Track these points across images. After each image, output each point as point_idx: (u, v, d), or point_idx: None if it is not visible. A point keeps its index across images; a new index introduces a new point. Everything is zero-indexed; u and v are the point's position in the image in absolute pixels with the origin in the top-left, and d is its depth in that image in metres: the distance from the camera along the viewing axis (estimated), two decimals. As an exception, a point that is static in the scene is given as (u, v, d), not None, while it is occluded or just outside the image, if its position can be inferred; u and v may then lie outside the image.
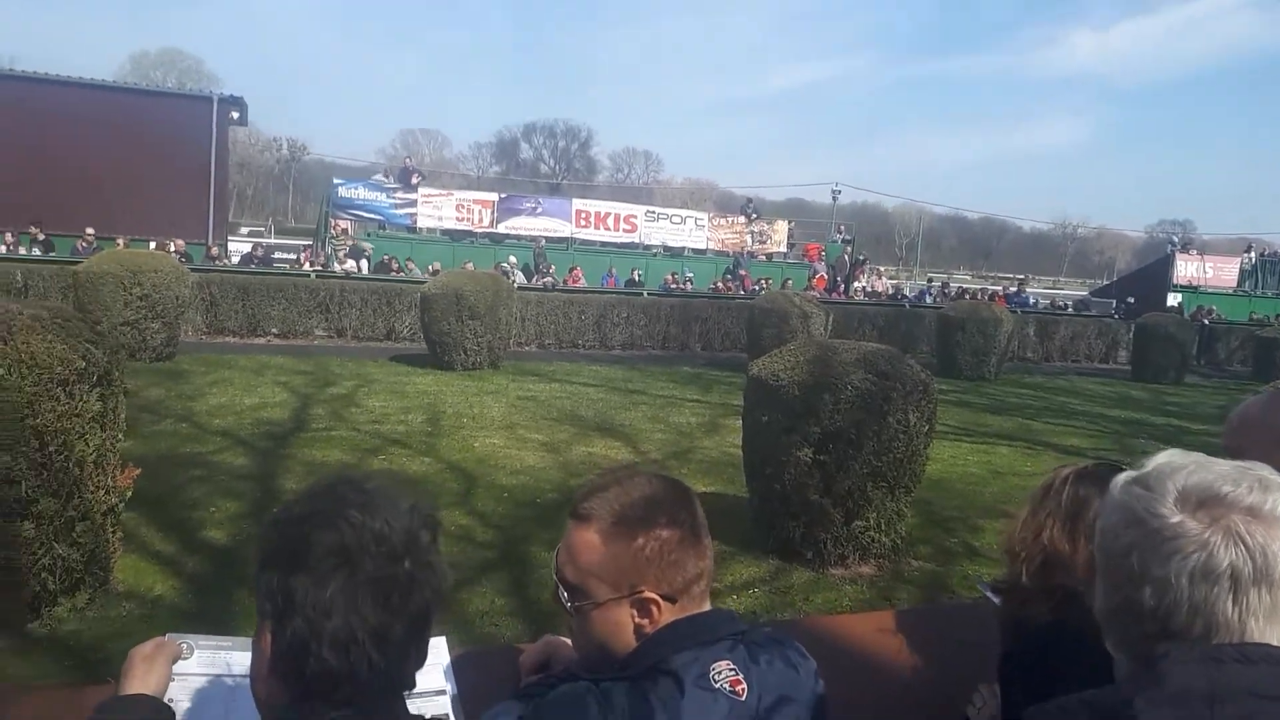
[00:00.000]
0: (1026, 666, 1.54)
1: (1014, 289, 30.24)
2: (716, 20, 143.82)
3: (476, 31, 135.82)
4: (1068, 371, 20.00)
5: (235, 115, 25.74)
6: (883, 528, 5.73)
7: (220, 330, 15.64)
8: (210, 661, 1.46)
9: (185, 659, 1.43)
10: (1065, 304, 29.51)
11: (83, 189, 21.50)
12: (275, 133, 72.34)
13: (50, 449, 3.94)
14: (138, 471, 4.65)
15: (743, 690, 1.26)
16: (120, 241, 18.34)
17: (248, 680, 1.23)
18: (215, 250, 20.74)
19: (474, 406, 10.53)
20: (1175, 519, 0.96)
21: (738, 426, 9.49)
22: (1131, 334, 20.91)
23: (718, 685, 1.25)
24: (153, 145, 23.12)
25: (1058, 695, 1.35)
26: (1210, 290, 32.14)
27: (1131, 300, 28.87)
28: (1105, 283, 51.50)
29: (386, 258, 21.96)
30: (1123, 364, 21.39)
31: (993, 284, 39.03)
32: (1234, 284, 33.01)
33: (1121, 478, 1.05)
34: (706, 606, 1.35)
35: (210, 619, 4.45)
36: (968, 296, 25.19)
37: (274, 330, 16.03)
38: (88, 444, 4.11)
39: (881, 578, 5.74)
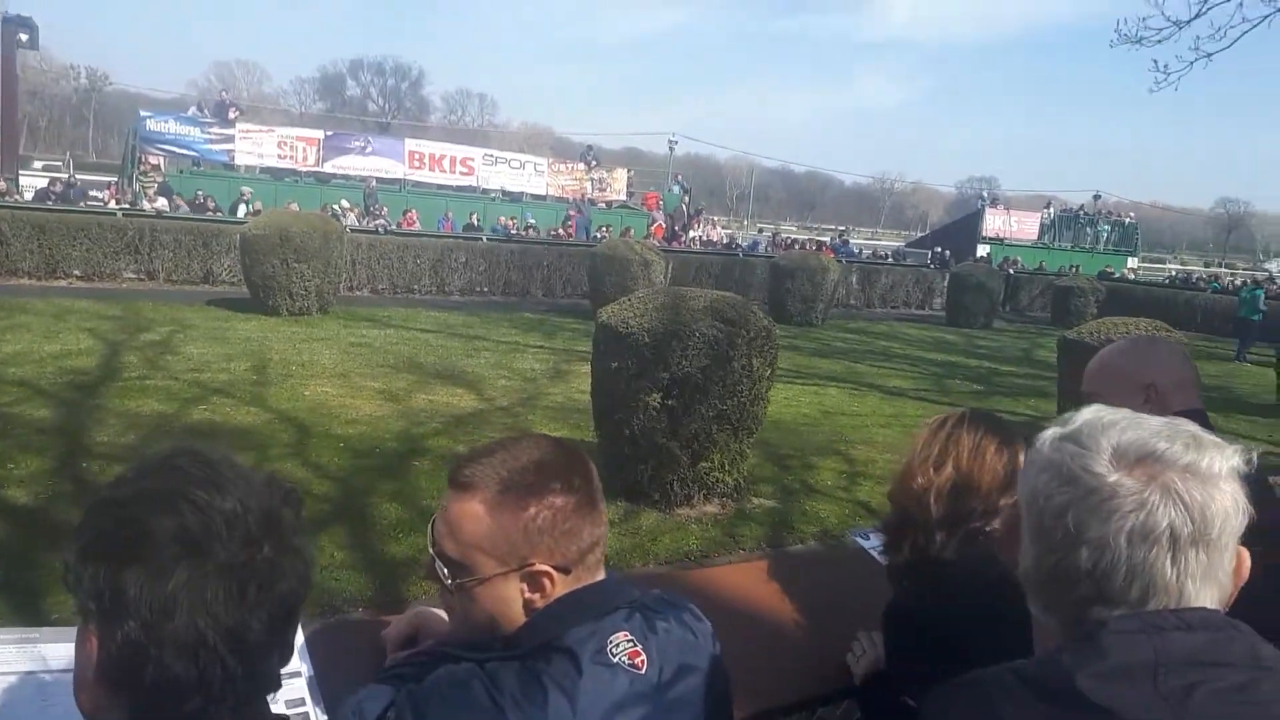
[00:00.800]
0: (919, 612, 1.53)
1: (839, 240, 31.55)
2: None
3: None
4: (888, 318, 21.11)
5: (24, 37, 23.15)
6: (726, 468, 5.88)
7: (13, 272, 14.21)
8: (14, 657, 1.23)
9: None
10: (886, 254, 31.04)
11: None
12: (72, 59, 65.96)
13: None
14: (-78, 427, 4.17)
15: (642, 663, 1.18)
16: (-115, 172, 16.30)
17: (67, 677, 1.03)
18: (3, 184, 18.75)
19: (303, 354, 10.04)
20: (1112, 477, 0.91)
21: (583, 372, 9.50)
22: (946, 283, 22.24)
23: (616, 660, 1.16)
24: (-78, 64, 20.54)
25: (954, 641, 1.38)
26: (1014, 243, 34.55)
27: (944, 251, 30.66)
28: (920, 234, 54.49)
29: (201, 195, 20.54)
30: (938, 311, 22.76)
31: (818, 235, 40.50)
32: (1035, 237, 35.61)
33: (1049, 434, 0.99)
34: (601, 576, 1.26)
35: (15, 588, 4.08)
36: (797, 246, 26.06)
37: (76, 272, 14.71)
38: None
39: (726, 516, 5.90)
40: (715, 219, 37.67)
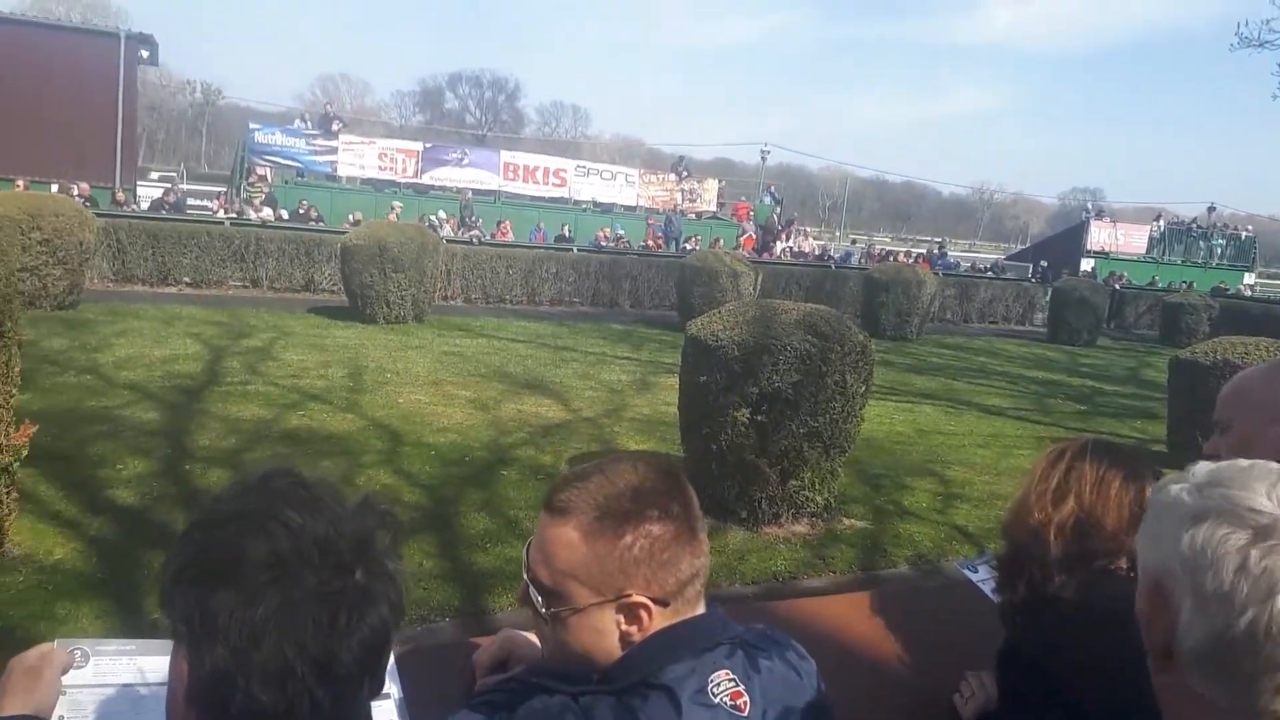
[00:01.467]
0: (1037, 655, 1.42)
1: (936, 251, 30.81)
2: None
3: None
4: (986, 333, 20.47)
5: (145, 54, 24.37)
6: (817, 487, 5.72)
7: (128, 278, 14.90)
8: (112, 669, 1.23)
9: (79, 667, 1.21)
10: (985, 267, 30.15)
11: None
12: (188, 75, 69.20)
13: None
14: (35, 427, 4.34)
15: (744, 704, 1.12)
16: (20, 183, 17.29)
17: (162, 691, 1.01)
18: (122, 195, 19.71)
19: (398, 361, 10.23)
20: None
21: (670, 385, 9.45)
22: (1048, 297, 21.48)
23: (717, 700, 1.10)
24: (56, 83, 21.75)
25: (1073, 691, 1.27)
26: (1121, 257, 33.21)
27: (1045, 265, 29.65)
28: (1021, 247, 52.89)
29: (302, 204, 21.21)
30: (1039, 326, 21.98)
31: (914, 246, 39.66)
32: (1143, 250, 34.16)
33: (1178, 487, 0.87)
34: (700, 609, 1.19)
35: (117, 587, 4.20)
36: (892, 258, 25.51)
37: (186, 279, 15.34)
38: (-22, 399, 3.80)
39: (815, 536, 5.74)
40: (807, 230, 37.25)
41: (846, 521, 6.06)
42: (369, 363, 10.02)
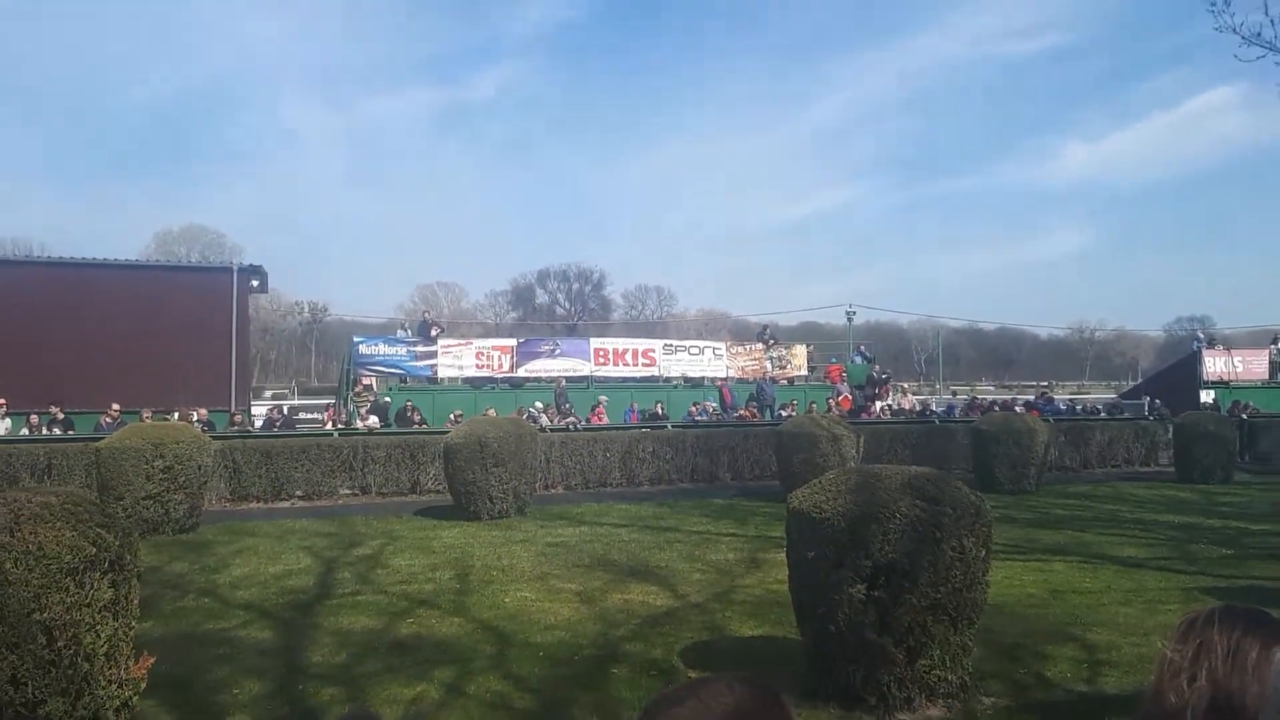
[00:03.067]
0: None
1: (1041, 397, 29.86)
2: (719, 156, 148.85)
3: (486, 185, 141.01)
4: (1110, 478, 19.43)
5: (255, 283, 26.32)
6: (948, 664, 5.33)
7: (244, 497, 15.47)
8: None
9: None
10: (1098, 408, 28.99)
11: (109, 365, 21.86)
12: (297, 296, 74.21)
13: (59, 644, 3.71)
14: (152, 660, 4.39)
15: None
16: (144, 415, 18.44)
17: None
18: (239, 417, 20.81)
19: (502, 558, 10.20)
20: None
21: (780, 560, 9.12)
22: (1171, 434, 20.40)
23: None
24: (176, 318, 23.60)
25: None
26: (1242, 384, 31.59)
27: (1155, 400, 28.34)
28: (1131, 384, 50.95)
29: (408, 406, 21.97)
30: (1165, 466, 20.78)
31: (1017, 393, 38.57)
32: (1265, 376, 32.45)
33: None
34: None
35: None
36: (997, 408, 24.81)
37: (298, 492, 15.84)
38: (99, 635, 3.87)
39: (952, 719, 5.31)
40: (905, 386, 36.74)
41: (986, 701, 5.60)
42: (475, 561, 10.01)
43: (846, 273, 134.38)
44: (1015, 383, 73.45)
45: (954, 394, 36.49)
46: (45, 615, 3.66)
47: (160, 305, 23.49)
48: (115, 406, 19.48)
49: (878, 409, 26.55)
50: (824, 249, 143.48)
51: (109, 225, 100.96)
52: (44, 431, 18.09)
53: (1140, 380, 48.71)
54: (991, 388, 68.08)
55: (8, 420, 18.90)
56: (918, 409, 27.65)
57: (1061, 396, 37.78)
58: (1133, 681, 5.87)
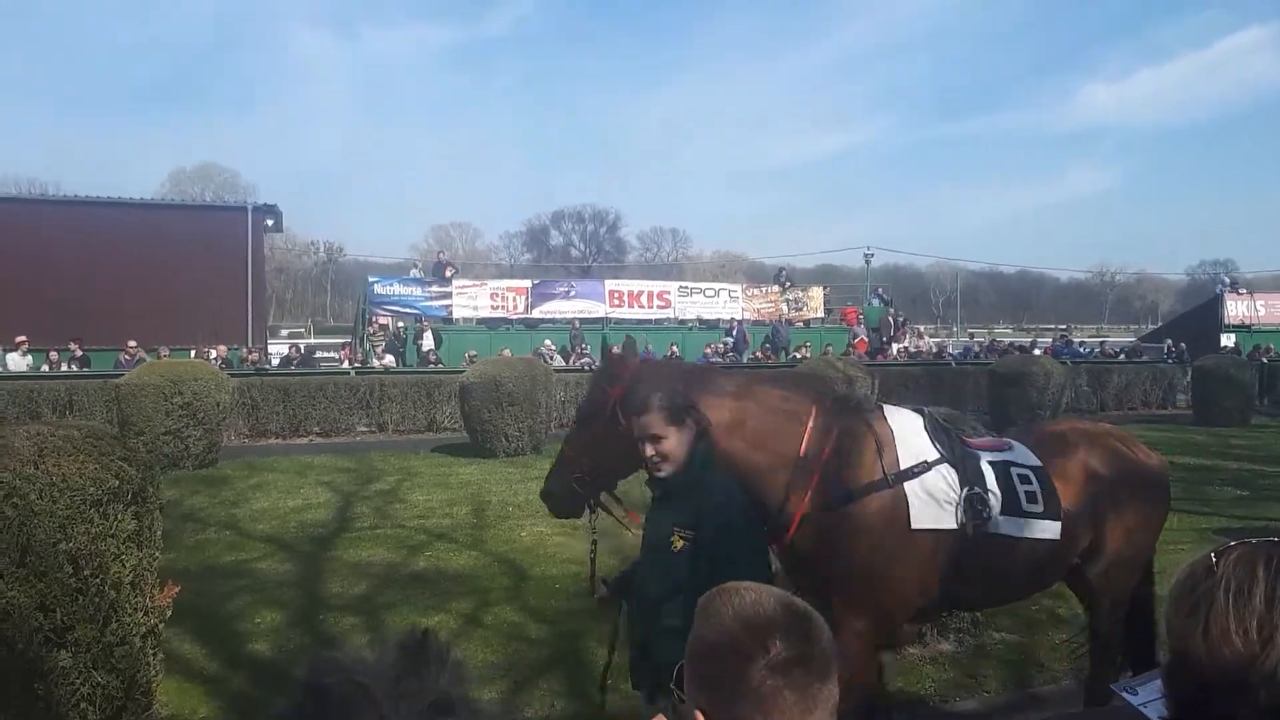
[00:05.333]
0: None
1: (1059, 340, 29.69)
2: (733, 93, 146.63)
3: (500, 124, 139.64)
4: (1126, 420, 19.34)
5: (270, 223, 26.32)
6: (960, 601, 5.37)
7: (263, 433, 15.65)
8: None
9: None
10: (1119, 351, 28.79)
11: (126, 303, 22.01)
12: (312, 236, 74.13)
13: (85, 573, 3.77)
14: (177, 589, 4.47)
15: None
16: (162, 352, 18.60)
17: None
18: (255, 355, 20.95)
19: (518, 494, 10.30)
20: None
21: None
22: (1190, 378, 20.29)
23: None
24: (191, 257, 23.67)
25: None
26: (1264, 329, 31.29)
27: (1176, 343, 28.13)
28: (1152, 328, 50.57)
29: (427, 350, 22.07)
30: (1182, 409, 20.72)
31: (1037, 336, 38.31)
32: (1288, 319, 32.11)
33: None
34: None
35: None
36: (1015, 350, 24.69)
37: (316, 429, 16.01)
38: (124, 565, 3.94)
39: (963, 654, 5.38)
40: (922, 329, 36.58)
41: (996, 635, 5.67)
42: (491, 497, 10.13)
43: (864, 214, 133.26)
44: (1034, 326, 72.97)
45: (971, 337, 36.24)
46: (71, 545, 3.72)
47: (176, 244, 23.56)
48: (133, 343, 19.64)
49: (894, 351, 26.49)
50: (842, 190, 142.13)
51: (123, 164, 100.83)
52: (64, 368, 18.28)
53: (1160, 324, 48.30)
54: (1010, 331, 67.67)
55: (29, 356, 19.10)
56: (934, 352, 27.57)
57: (1083, 339, 37.48)
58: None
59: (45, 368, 18.36)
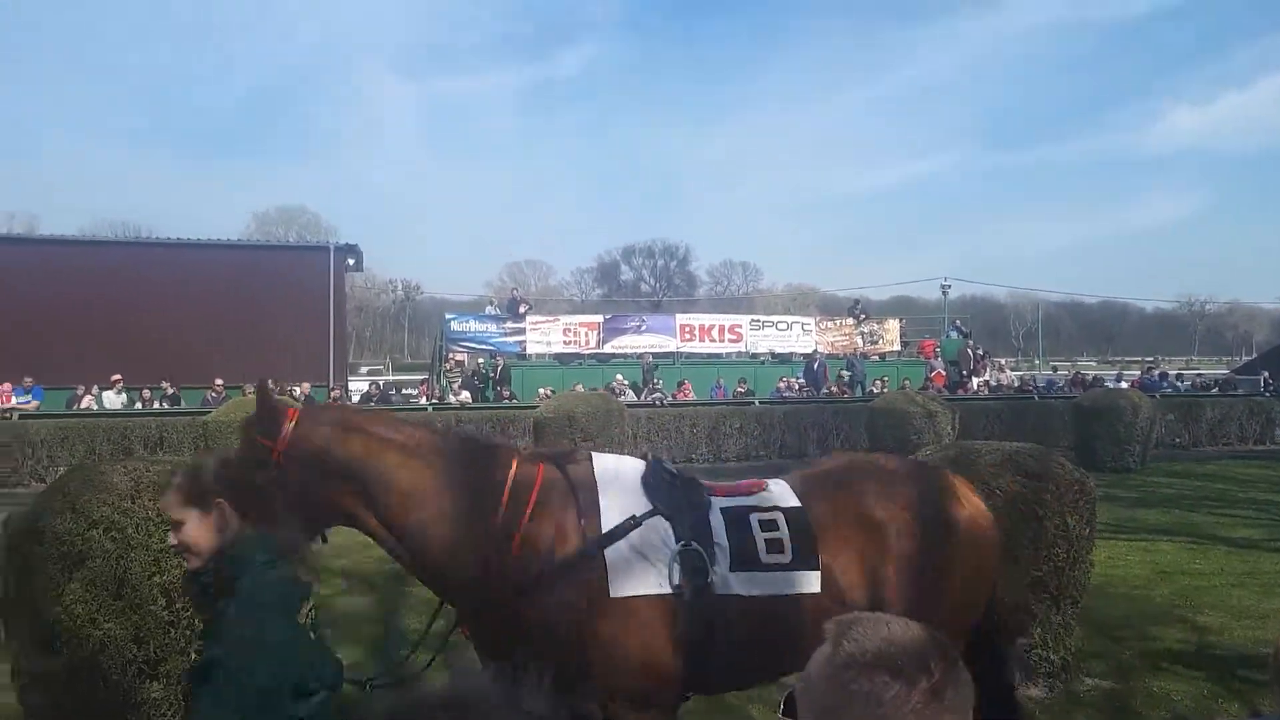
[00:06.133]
0: None
1: (1146, 373, 28.70)
2: (801, 125, 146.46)
3: (570, 161, 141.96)
4: (1220, 456, 18.58)
5: (351, 262, 27.08)
6: (1050, 644, 5.20)
7: (343, 468, 15.96)
8: None
9: None
10: (1211, 383, 27.69)
11: (214, 341, 22.82)
12: (390, 275, 75.99)
13: (176, 606, 3.88)
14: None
15: None
16: (247, 390, 19.17)
17: None
18: (337, 392, 21.48)
19: (593, 531, 10.29)
20: None
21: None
22: (1288, 411, 19.41)
23: None
24: (276, 296, 24.49)
25: None
26: (1368, 357, 29.82)
27: (1268, 375, 26.95)
28: (1246, 359, 48.56)
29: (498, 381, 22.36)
30: (1281, 444, 19.80)
31: (1123, 369, 37.09)
32: (1393, 348, 30.56)
33: None
34: None
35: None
36: (1103, 384, 23.95)
37: (394, 464, 16.26)
38: (212, 598, 4.04)
39: (1054, 701, 5.17)
40: (1002, 361, 35.75)
41: (1088, 682, 5.44)
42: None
43: (940, 245, 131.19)
44: (1119, 358, 70.72)
45: (1054, 369, 35.29)
46: (164, 579, 3.84)
47: (262, 283, 24.41)
48: (219, 381, 20.32)
49: (975, 385, 25.92)
50: (916, 220, 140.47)
51: (208, 207, 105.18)
52: (155, 405, 19.00)
53: (1255, 355, 46.35)
54: (1093, 363, 65.65)
55: (123, 394, 19.91)
56: (1015, 385, 26.89)
57: (1173, 372, 36.13)
58: (1245, 666, 5.63)
59: (138, 405, 19.10)
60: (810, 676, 1.18)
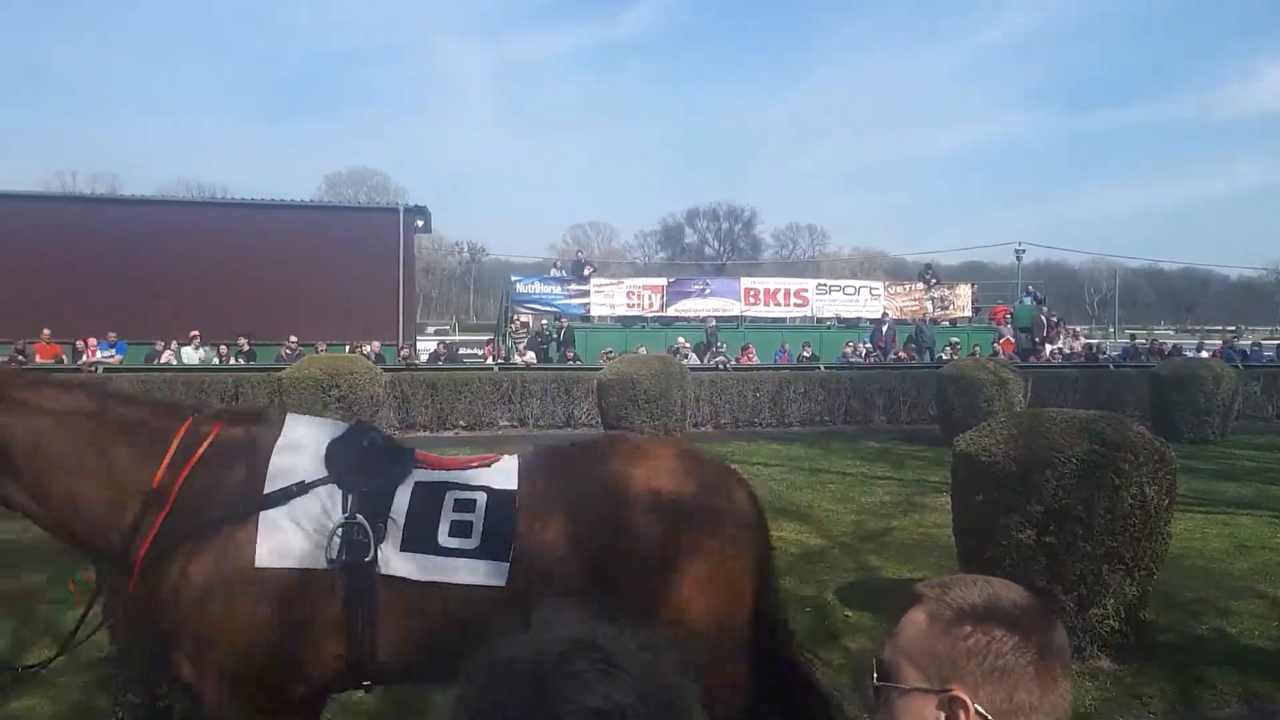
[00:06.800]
0: None
1: (1227, 343, 27.68)
2: (872, 87, 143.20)
3: (635, 124, 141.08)
4: (1307, 429, 17.87)
5: (420, 223, 27.41)
6: (1122, 615, 5.08)
7: (412, 425, 16.29)
8: None
9: None
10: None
11: (288, 300, 23.36)
12: (457, 237, 76.80)
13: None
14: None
15: None
16: (320, 347, 19.62)
17: None
18: (406, 350, 21.85)
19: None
20: None
21: (938, 505, 8.91)
22: (1381, 384, 18.55)
23: None
24: (347, 256, 24.93)
25: None
26: None
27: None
28: (1336, 328, 46.48)
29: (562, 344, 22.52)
30: (1374, 418, 18.95)
31: (1203, 338, 35.81)
32: None
33: None
34: None
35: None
36: (1183, 353, 23.17)
37: (461, 422, 16.55)
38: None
39: (1125, 672, 5.06)
40: (1077, 329, 34.82)
41: (1160, 655, 5.31)
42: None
43: (1014, 209, 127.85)
44: (1199, 326, 68.31)
45: (1131, 338, 34.22)
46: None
47: (335, 244, 24.88)
48: (293, 338, 20.82)
49: (1048, 353, 25.31)
50: (989, 184, 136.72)
51: (280, 167, 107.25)
52: (231, 361, 19.55)
53: (1346, 325, 44.36)
54: (1171, 331, 63.55)
55: (201, 350, 20.53)
56: (1089, 353, 26.18)
57: (1266, 341, 34.78)
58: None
59: (215, 361, 19.68)
60: (910, 639, 1.16)
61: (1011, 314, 27.99)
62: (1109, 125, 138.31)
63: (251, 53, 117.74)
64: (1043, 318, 27.45)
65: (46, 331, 20.41)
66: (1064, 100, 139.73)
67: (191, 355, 20.23)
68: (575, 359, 21.22)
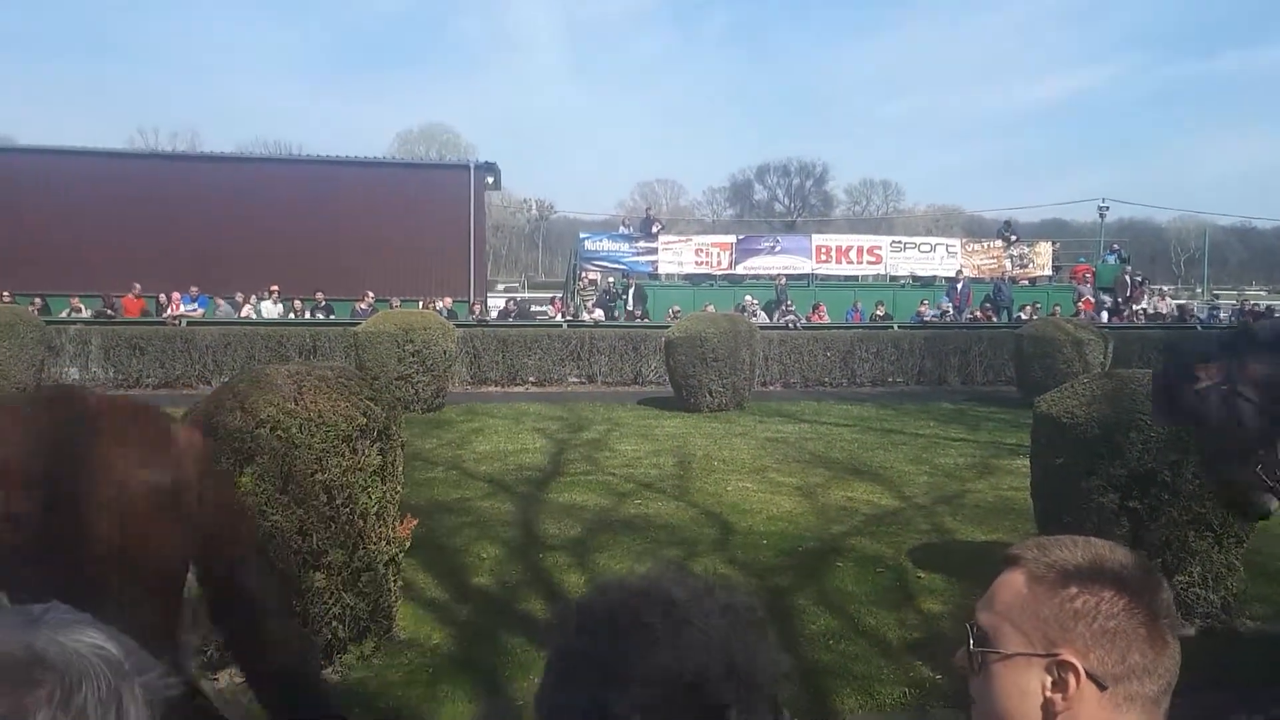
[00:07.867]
0: None
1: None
2: (953, 37, 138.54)
3: (705, 78, 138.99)
4: None
5: (490, 180, 27.52)
6: (1210, 583, 4.94)
7: (483, 381, 16.54)
8: None
9: None
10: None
11: (361, 256, 23.77)
12: (525, 195, 76.99)
13: (337, 502, 4.11)
14: (415, 522, 4.80)
15: None
16: (394, 303, 19.96)
17: None
18: (477, 307, 22.11)
19: (722, 449, 10.35)
20: None
21: (1014, 468, 8.75)
22: None
23: None
24: (419, 213, 25.21)
25: None
26: None
27: None
28: None
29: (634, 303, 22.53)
30: None
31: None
32: None
33: None
34: None
35: (487, 670, 4.49)
36: (1275, 315, 22.22)
37: (531, 379, 16.74)
38: (370, 497, 4.26)
39: (1213, 642, 4.93)
40: (1163, 288, 33.63)
41: (1249, 624, 5.16)
42: (695, 451, 10.23)
43: (1097, 165, 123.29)
44: (1293, 287, 65.36)
45: (1217, 298, 32.93)
46: (325, 476, 4.06)
47: (407, 201, 25.18)
48: (369, 294, 21.21)
49: (1132, 312, 24.51)
50: (1072, 139, 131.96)
51: (351, 125, 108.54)
52: (308, 315, 20.02)
53: None
54: (1264, 292, 60.91)
55: (279, 304, 21.06)
56: (1173, 314, 25.28)
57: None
58: None
59: (292, 315, 20.18)
60: (1010, 601, 1.11)
61: (1094, 273, 27.10)
62: (1201, 74, 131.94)
63: (327, 8, 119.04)
64: (1126, 277, 26.52)
65: (138, 286, 21.15)
66: (1152, 52, 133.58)
67: (270, 309, 20.77)
68: (644, 316, 21.21)
